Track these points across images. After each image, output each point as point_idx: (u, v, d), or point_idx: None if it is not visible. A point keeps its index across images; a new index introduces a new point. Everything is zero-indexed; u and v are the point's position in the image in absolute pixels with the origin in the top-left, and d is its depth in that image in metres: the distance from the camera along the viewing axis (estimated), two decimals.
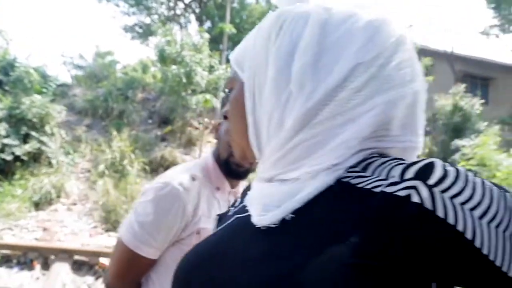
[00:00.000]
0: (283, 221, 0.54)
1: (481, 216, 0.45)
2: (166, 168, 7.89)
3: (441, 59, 15.85)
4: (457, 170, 0.47)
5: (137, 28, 15.59)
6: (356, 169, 0.53)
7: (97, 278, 4.29)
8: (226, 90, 0.67)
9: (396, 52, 0.57)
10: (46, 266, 4.27)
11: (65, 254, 4.29)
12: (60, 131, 7.77)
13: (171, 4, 15.31)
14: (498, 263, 0.45)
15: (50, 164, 7.03)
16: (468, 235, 0.45)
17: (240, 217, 0.63)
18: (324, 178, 0.53)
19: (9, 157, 6.68)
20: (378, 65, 0.55)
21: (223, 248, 0.58)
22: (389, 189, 0.47)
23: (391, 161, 0.52)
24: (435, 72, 14.78)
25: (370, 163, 0.53)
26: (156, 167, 7.65)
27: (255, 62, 0.60)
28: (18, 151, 6.81)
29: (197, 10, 15.06)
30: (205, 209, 1.17)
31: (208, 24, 14.45)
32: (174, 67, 8.31)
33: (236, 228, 0.61)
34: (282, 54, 0.57)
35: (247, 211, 0.61)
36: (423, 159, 0.49)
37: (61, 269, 4.13)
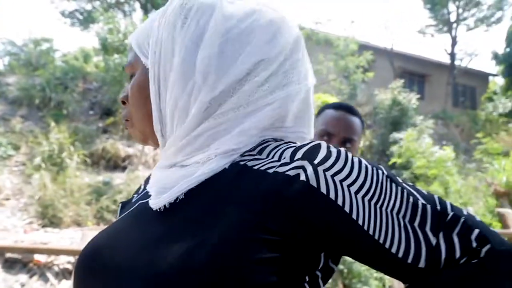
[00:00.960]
0: (178, 202, 0.57)
1: (357, 191, 0.53)
2: (108, 160, 7.64)
3: (382, 56, 16.56)
4: (339, 151, 0.55)
5: (77, 14, 14.85)
6: (253, 153, 0.58)
7: (31, 276, 4.09)
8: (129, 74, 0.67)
9: (294, 51, 0.63)
10: None
11: None
12: None
13: None
14: (371, 232, 0.53)
15: None
16: (346, 208, 0.52)
17: (142, 202, 0.64)
18: (220, 161, 0.57)
19: None
20: (279, 62, 0.60)
21: (123, 234, 0.59)
22: (281, 169, 0.54)
23: (283, 145, 0.58)
24: (376, 67, 15.42)
25: (265, 147, 0.58)
26: (97, 160, 7.39)
27: (160, 49, 0.61)
28: None
29: None
30: None
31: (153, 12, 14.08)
32: (116, 56, 8.04)
33: (137, 213, 0.63)
34: (188, 44, 0.58)
35: (149, 197, 0.62)
36: (310, 142, 0.56)
37: None
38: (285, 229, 0.51)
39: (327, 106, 1.41)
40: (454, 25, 18.15)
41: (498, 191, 6.46)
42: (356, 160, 0.55)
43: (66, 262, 4.31)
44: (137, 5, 15.13)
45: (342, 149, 0.55)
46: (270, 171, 0.54)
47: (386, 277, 4.45)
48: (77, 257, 4.06)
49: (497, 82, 18.37)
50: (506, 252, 0.53)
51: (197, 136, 0.58)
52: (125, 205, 0.72)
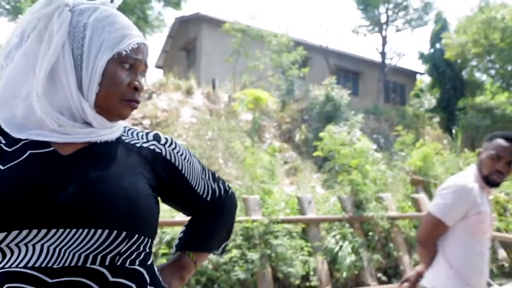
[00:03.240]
0: (83, 150, 0.86)
1: (184, 159, 1.01)
2: None
3: (318, 53, 17.19)
4: (170, 137, 1.01)
5: (3, 4, 14.02)
6: (124, 133, 0.97)
7: None
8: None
9: None
10: None
11: None
12: None
13: None
14: (190, 180, 1.02)
15: None
16: (179, 167, 1.00)
17: (36, 152, 0.82)
18: (116, 134, 0.93)
19: None
20: None
21: (41, 176, 0.78)
22: (145, 145, 0.96)
23: (132, 128, 0.99)
24: (312, 64, 15.99)
25: (125, 129, 0.97)
26: None
27: None
28: None
29: None
30: (479, 199, 1.94)
31: None
32: None
33: (45, 158, 0.82)
34: None
35: (42, 147, 0.82)
36: (151, 131, 1.01)
37: None
38: (154, 180, 0.92)
39: (498, 136, 2.00)
40: (384, 26, 19.21)
41: (414, 179, 7.06)
42: (178, 141, 1.05)
43: None
44: None
45: (170, 137, 1.02)
46: (138, 145, 0.95)
47: (311, 260, 4.77)
48: None
49: (424, 80, 19.67)
50: (233, 192, 1.15)
51: None
52: (1, 153, 0.82)
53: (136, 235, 0.81)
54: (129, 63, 0.88)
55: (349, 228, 5.27)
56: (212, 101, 10.93)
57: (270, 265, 4.53)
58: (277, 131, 11.09)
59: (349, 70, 19.05)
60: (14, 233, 0.73)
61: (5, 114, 0.85)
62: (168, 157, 0.97)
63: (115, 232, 0.78)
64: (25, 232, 0.73)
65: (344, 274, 4.84)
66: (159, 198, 0.96)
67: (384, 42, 19.18)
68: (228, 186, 1.14)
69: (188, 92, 10.84)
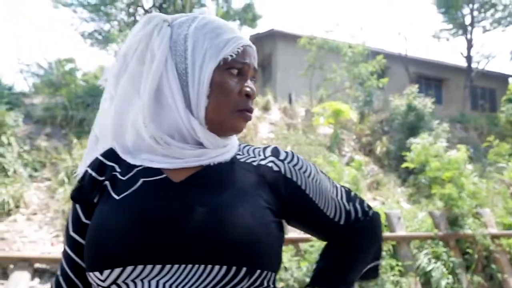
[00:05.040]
0: (194, 176, 0.79)
1: (308, 176, 0.87)
2: None
3: (397, 62, 16.52)
4: (291, 152, 0.88)
5: (96, 35, 15.37)
6: (239, 152, 0.87)
7: None
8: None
9: None
10: (5, 275, 4.22)
11: (25, 263, 4.25)
12: (17, 140, 7.61)
13: (131, 10, 15.20)
14: (316, 201, 0.87)
15: (7, 175, 6.87)
16: (303, 187, 0.86)
17: (149, 180, 0.78)
18: (230, 153, 0.85)
19: None
20: None
21: (160, 207, 0.74)
22: (262, 163, 0.85)
23: (248, 146, 0.90)
24: (391, 74, 15.40)
25: (239, 147, 0.88)
26: None
27: None
28: None
29: None
30: None
31: None
32: None
33: (157, 187, 0.77)
34: None
35: (154, 174, 0.78)
36: (269, 145, 0.89)
37: (21, 277, 4.10)
38: (276, 202, 0.81)
39: None
40: (469, 28, 17.99)
41: None
42: (301, 157, 0.89)
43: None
44: None
45: (292, 151, 0.88)
46: (255, 163, 0.84)
47: (403, 280, 4.47)
48: None
49: None
50: (378, 213, 0.96)
51: None
52: (113, 183, 0.80)
53: (258, 271, 0.71)
54: (237, 68, 0.80)
55: (443, 246, 4.87)
56: (289, 116, 10.92)
57: (360, 285, 4.33)
58: (356, 144, 10.77)
59: (431, 77, 18.04)
60: (129, 268, 0.69)
61: (120, 143, 0.83)
62: (288, 175, 0.84)
63: (234, 268, 0.69)
64: (139, 268, 0.69)
65: None
66: (283, 222, 0.84)
67: (469, 45, 17.93)
68: (368, 206, 0.95)
69: (265, 108, 10.95)
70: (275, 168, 0.84)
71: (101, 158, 0.84)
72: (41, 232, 5.79)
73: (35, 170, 7.42)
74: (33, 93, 10.79)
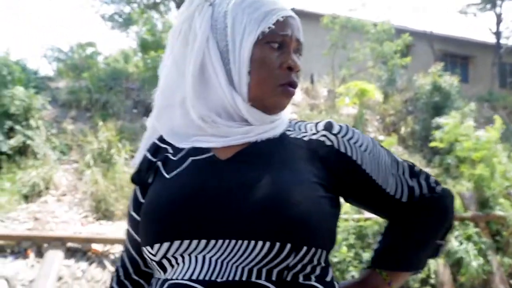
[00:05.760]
0: (242, 152, 0.79)
1: (364, 150, 0.82)
2: None
3: (421, 39, 16.04)
4: (346, 125, 0.83)
5: (116, 17, 15.41)
6: (290, 128, 0.85)
7: (90, 264, 4.40)
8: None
9: None
10: (39, 254, 4.37)
11: (58, 242, 4.39)
12: (45, 124, 7.76)
13: None
14: (374, 177, 0.81)
15: (36, 157, 7.04)
16: (358, 161, 0.81)
17: (197, 159, 0.79)
18: (279, 129, 0.83)
19: None
20: None
21: (207, 183, 0.74)
22: (313, 137, 0.81)
23: (300, 121, 0.87)
24: (415, 52, 14.99)
25: (290, 123, 0.86)
26: None
27: None
28: (3, 147, 6.80)
29: None
30: None
31: None
32: (154, 54, 8.33)
33: (205, 164, 0.78)
34: None
35: (202, 152, 0.79)
36: (322, 120, 0.85)
37: (55, 256, 4.23)
38: (329, 177, 0.78)
39: None
40: (499, 1, 17.27)
41: None
42: (356, 130, 0.84)
43: (120, 250, 4.59)
44: (172, 5, 15.50)
45: (347, 124, 0.84)
46: (306, 138, 0.81)
47: (431, 262, 4.42)
48: None
49: None
50: (448, 191, 0.89)
51: None
52: (164, 163, 0.82)
53: (305, 248, 0.69)
54: (277, 41, 0.77)
55: (474, 228, 4.79)
56: (312, 96, 10.80)
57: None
58: (380, 124, 10.60)
59: (457, 55, 17.49)
60: (177, 243, 0.70)
61: (165, 125, 0.84)
62: (342, 149, 0.79)
63: (277, 244, 0.67)
64: (186, 242, 0.70)
65: (470, 279, 4.41)
66: (340, 199, 0.82)
67: (498, 21, 17.25)
68: (436, 182, 0.87)
69: None
70: (328, 143, 0.80)
71: (156, 141, 0.87)
72: (71, 213, 5.94)
73: (63, 153, 7.58)
74: (58, 77, 10.95)
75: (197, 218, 0.70)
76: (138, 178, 0.87)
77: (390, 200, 0.83)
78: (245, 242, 0.68)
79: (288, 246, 0.68)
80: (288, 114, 0.86)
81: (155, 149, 0.86)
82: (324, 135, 0.80)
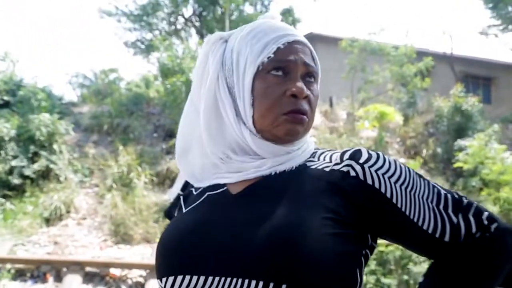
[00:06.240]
0: (252, 188, 0.75)
1: (395, 181, 0.71)
2: (172, 180, 8.02)
3: (442, 61, 15.91)
4: (377, 153, 0.74)
5: (139, 44, 15.87)
6: (312, 158, 0.79)
7: None
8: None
9: None
10: (58, 278, 4.39)
11: (77, 266, 4.41)
12: (67, 148, 7.94)
13: (172, 20, 15.59)
14: (407, 213, 0.70)
15: (59, 181, 7.18)
16: (388, 195, 0.71)
17: (212, 193, 0.78)
18: (295, 161, 0.77)
19: (17, 180, 6.85)
20: None
21: (214, 218, 0.73)
22: (335, 168, 0.73)
23: (326, 151, 0.80)
24: (436, 74, 14.84)
25: (315, 153, 0.80)
26: (162, 180, 7.77)
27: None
28: (27, 171, 6.97)
29: (197, 24, 15.32)
30: None
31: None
32: (174, 79, 8.49)
33: (217, 200, 0.76)
34: None
35: (218, 188, 0.77)
36: (352, 148, 0.76)
37: (73, 280, 4.25)
38: (349, 212, 0.69)
39: None
40: None
41: None
42: (391, 158, 0.74)
43: (138, 275, 4.58)
44: (192, 31, 15.90)
45: (380, 152, 0.75)
46: (327, 169, 0.74)
47: None
48: (148, 271, 4.27)
49: None
50: (509, 229, 0.71)
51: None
52: (186, 198, 0.84)
53: None
54: (280, 68, 0.74)
55: None
56: (331, 120, 10.77)
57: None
58: (401, 147, 10.44)
59: (478, 76, 17.24)
60: (179, 278, 0.69)
61: (186, 170, 0.84)
62: (369, 180, 0.70)
63: (271, 285, 0.63)
64: (187, 278, 0.68)
65: None
66: (366, 235, 0.72)
67: None
68: (490, 218, 0.71)
69: None
70: (352, 173, 0.71)
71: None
72: (90, 237, 5.99)
73: (85, 176, 7.71)
74: (81, 103, 11.25)
75: (198, 254, 0.69)
76: (168, 213, 0.90)
77: (429, 239, 0.70)
78: (240, 280, 0.65)
79: (284, 287, 0.64)
80: (312, 144, 0.81)
81: (185, 185, 0.88)
82: (349, 165, 0.72)
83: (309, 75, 0.77)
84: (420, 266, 4.21)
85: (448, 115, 10.47)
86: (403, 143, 10.53)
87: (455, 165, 6.88)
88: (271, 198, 0.71)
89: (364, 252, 0.72)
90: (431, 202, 0.71)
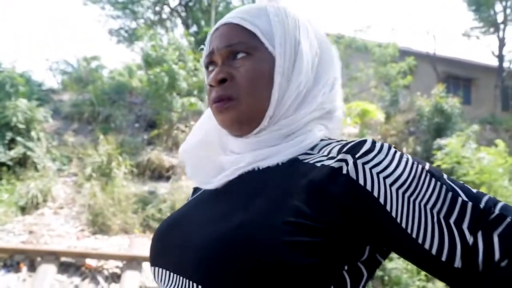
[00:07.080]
0: (233, 182, 0.70)
1: (392, 183, 0.56)
2: (153, 171, 7.96)
3: (424, 61, 16.14)
4: (382, 145, 0.59)
5: (122, 32, 15.60)
6: (310, 151, 0.67)
7: (83, 279, 4.35)
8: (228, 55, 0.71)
9: None
10: (32, 268, 4.32)
11: (52, 256, 4.35)
12: (46, 136, 7.79)
13: (157, 9, 15.36)
14: (403, 225, 0.55)
15: (36, 169, 7.05)
16: (381, 200, 0.56)
17: (206, 190, 0.77)
18: (280, 157, 0.68)
19: None
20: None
21: (189, 214, 0.73)
22: (327, 162, 0.61)
23: (334, 142, 0.67)
24: (418, 73, 15.04)
25: (317, 145, 0.68)
26: (142, 170, 7.70)
27: (287, 44, 0.69)
28: (3, 158, 6.82)
29: (183, 15, 15.14)
30: None
31: (194, 28, 14.54)
32: (157, 70, 8.40)
33: (203, 196, 0.76)
34: (307, 49, 0.71)
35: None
36: (359, 138, 0.62)
37: (48, 270, 4.19)
38: (326, 217, 0.56)
39: None
40: (502, 26, 17.41)
41: None
42: (397, 154, 0.59)
43: (114, 266, 4.54)
44: (178, 21, 15.71)
45: (386, 143, 0.60)
46: (318, 164, 0.62)
47: (429, 286, 4.36)
48: (125, 262, 4.24)
49: None
50: None
51: (303, 125, 0.70)
52: (195, 190, 0.86)
53: None
54: (210, 63, 0.73)
55: None
56: None
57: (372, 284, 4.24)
58: None
59: (459, 77, 17.56)
60: (157, 269, 0.71)
61: (190, 169, 0.83)
62: (360, 180, 0.57)
63: None
64: (159, 270, 0.70)
65: None
66: (369, 249, 0.60)
67: (501, 44, 17.36)
68: None
69: None
70: (344, 171, 0.58)
71: None
72: (67, 226, 5.90)
73: (63, 164, 7.58)
74: (62, 90, 11.03)
75: (165, 249, 0.70)
76: None
77: (433, 261, 0.54)
78: (186, 280, 0.61)
79: None
80: (316, 134, 0.69)
81: None
82: (344, 160, 0.59)
83: (234, 54, 0.69)
84: (395, 262, 4.30)
85: (428, 114, 10.64)
86: (384, 141, 10.55)
87: (434, 164, 7.01)
88: (241, 196, 0.64)
89: (348, 267, 0.59)
90: (438, 213, 0.54)
